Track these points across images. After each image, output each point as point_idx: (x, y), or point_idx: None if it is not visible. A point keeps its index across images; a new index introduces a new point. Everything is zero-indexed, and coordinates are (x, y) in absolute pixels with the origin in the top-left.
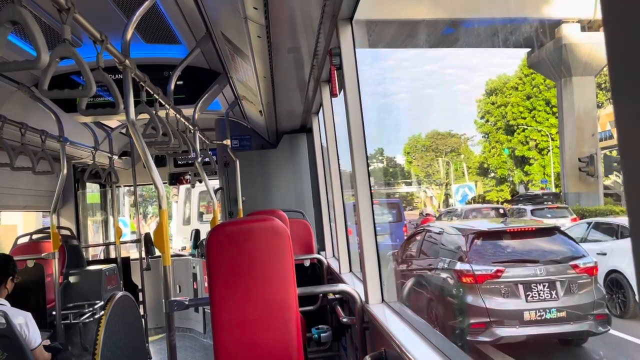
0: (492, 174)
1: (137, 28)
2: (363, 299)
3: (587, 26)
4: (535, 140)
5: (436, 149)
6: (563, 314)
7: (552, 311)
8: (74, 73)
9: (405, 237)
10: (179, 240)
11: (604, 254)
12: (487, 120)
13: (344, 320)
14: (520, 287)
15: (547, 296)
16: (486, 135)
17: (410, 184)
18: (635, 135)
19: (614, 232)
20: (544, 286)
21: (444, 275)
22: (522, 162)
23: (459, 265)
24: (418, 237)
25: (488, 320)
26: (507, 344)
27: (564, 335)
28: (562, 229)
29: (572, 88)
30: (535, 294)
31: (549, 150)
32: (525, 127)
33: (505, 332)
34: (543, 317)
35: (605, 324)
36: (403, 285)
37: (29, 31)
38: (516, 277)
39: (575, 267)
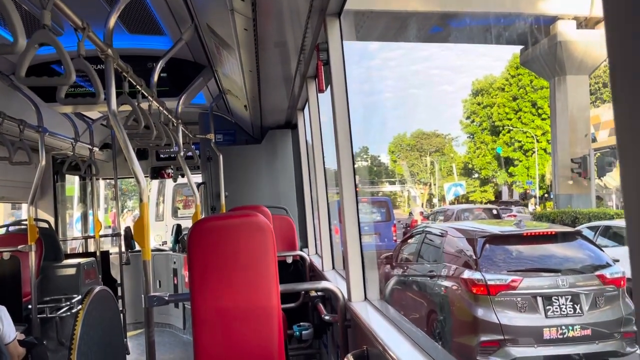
0: (476, 175)
1: (121, 17)
2: (346, 296)
3: (583, 23)
4: (521, 141)
5: (421, 149)
6: (587, 331)
7: (576, 328)
8: (54, 62)
9: (395, 237)
10: (150, 238)
11: (617, 261)
12: (473, 121)
13: (326, 317)
14: (539, 300)
15: (570, 311)
16: (471, 136)
17: (394, 183)
18: (634, 136)
19: (624, 236)
20: (566, 299)
21: (448, 283)
22: (506, 163)
23: (467, 273)
24: (415, 239)
25: (502, 338)
26: None
27: (586, 356)
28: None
29: (565, 87)
30: (556, 308)
31: (533, 152)
32: (511, 128)
33: (521, 352)
34: (565, 336)
35: (634, 344)
36: (398, 293)
37: (6, 14)
38: (534, 288)
39: (601, 277)
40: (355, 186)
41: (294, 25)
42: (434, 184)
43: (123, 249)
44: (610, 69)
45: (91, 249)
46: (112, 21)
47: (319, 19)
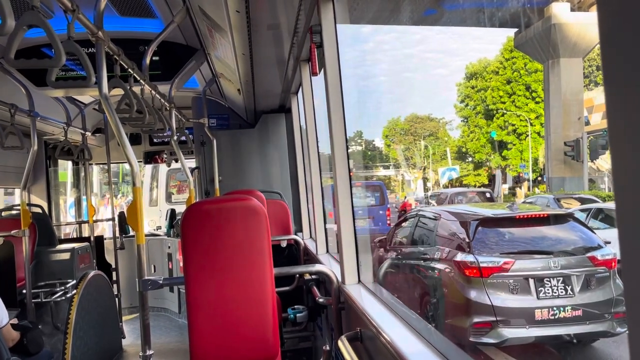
0: (470, 159)
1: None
2: (339, 279)
3: (577, 5)
4: (514, 125)
5: (415, 133)
6: (578, 312)
7: (567, 309)
8: (45, 45)
9: (388, 221)
10: (144, 223)
11: (608, 243)
12: (467, 105)
13: (320, 300)
14: (531, 281)
15: (562, 292)
16: (465, 120)
17: (388, 167)
18: (626, 124)
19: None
20: (557, 281)
21: (441, 266)
22: (500, 146)
23: (460, 256)
24: (409, 223)
25: (494, 319)
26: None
27: (577, 336)
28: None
29: (559, 70)
30: (548, 289)
31: (527, 135)
32: (505, 111)
33: (513, 333)
34: (556, 317)
35: (624, 324)
36: (391, 276)
37: None
38: (526, 270)
39: (592, 259)
40: (349, 170)
41: (287, 7)
42: (428, 168)
43: (117, 233)
44: (602, 53)
45: (85, 234)
46: (103, 3)
47: (312, 1)
